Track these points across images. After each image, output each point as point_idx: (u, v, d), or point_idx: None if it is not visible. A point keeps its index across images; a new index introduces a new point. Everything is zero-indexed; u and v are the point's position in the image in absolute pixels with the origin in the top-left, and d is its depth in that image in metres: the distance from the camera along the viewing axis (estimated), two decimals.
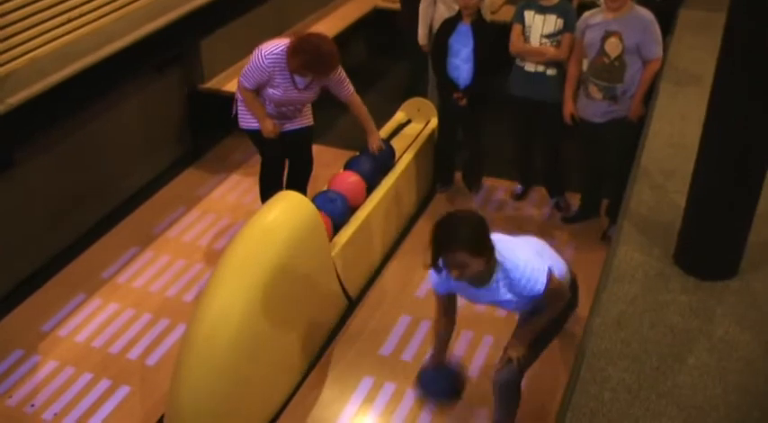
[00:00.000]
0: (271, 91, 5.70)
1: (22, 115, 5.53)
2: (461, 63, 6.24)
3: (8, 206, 5.76)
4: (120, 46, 6.28)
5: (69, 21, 6.20)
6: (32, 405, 4.95)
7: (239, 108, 5.99)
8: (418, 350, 5.29)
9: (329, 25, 8.55)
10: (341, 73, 5.85)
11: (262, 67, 5.59)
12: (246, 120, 5.96)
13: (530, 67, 6.13)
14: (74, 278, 5.98)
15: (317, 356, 5.23)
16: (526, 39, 6.10)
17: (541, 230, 6.36)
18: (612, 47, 5.62)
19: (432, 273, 4.18)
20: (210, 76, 7.54)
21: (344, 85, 5.94)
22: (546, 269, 4.03)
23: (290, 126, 6.01)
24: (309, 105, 6.07)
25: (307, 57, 5.47)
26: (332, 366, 5.17)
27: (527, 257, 4.05)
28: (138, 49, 6.38)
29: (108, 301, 5.75)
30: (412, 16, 7.32)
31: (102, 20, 6.48)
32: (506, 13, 7.50)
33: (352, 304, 5.65)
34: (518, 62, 6.21)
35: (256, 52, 5.64)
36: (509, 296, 4.05)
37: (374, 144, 6.11)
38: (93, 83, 6.08)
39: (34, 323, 5.56)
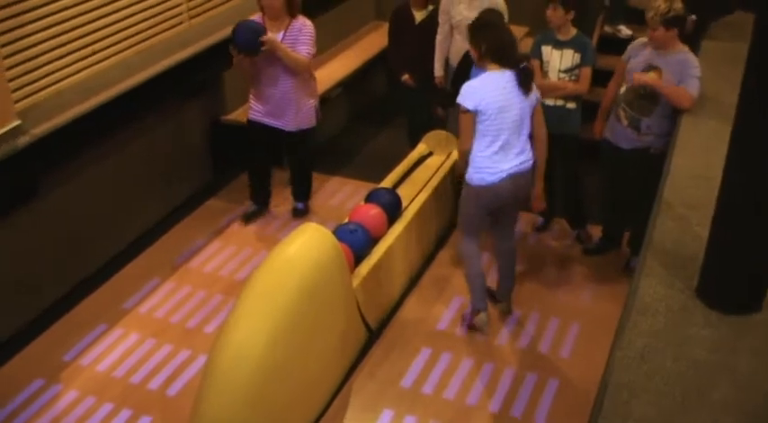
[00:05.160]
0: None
1: (47, 146, 5.58)
2: None
3: (32, 234, 5.80)
4: (143, 78, 6.35)
5: (93, 53, 6.27)
6: None
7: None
8: (439, 383, 5.26)
9: (351, 57, 8.60)
10: (306, 31, 6.39)
11: None
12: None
13: (549, 101, 6.14)
14: (96, 308, 6.01)
15: (338, 388, 5.21)
16: (544, 74, 6.12)
17: (562, 262, 6.37)
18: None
19: (469, 88, 5.15)
20: (233, 108, 7.59)
21: (304, 45, 6.38)
22: (467, 105, 5.11)
23: (282, 124, 6.61)
24: (303, 102, 6.55)
25: None
26: (353, 398, 5.15)
27: (487, 90, 5.12)
28: (160, 81, 6.45)
29: (129, 330, 5.77)
30: (398, 52, 7.37)
31: (125, 52, 6.55)
32: (525, 46, 7.52)
33: (373, 336, 5.63)
34: None
35: None
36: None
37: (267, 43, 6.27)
38: (115, 115, 6.14)
39: (56, 352, 5.58)
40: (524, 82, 5.18)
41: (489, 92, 5.12)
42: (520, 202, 5.56)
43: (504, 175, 5.24)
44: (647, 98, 5.67)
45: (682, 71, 5.55)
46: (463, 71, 6.34)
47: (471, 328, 5.71)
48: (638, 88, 5.69)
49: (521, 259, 6.36)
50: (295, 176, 7.10)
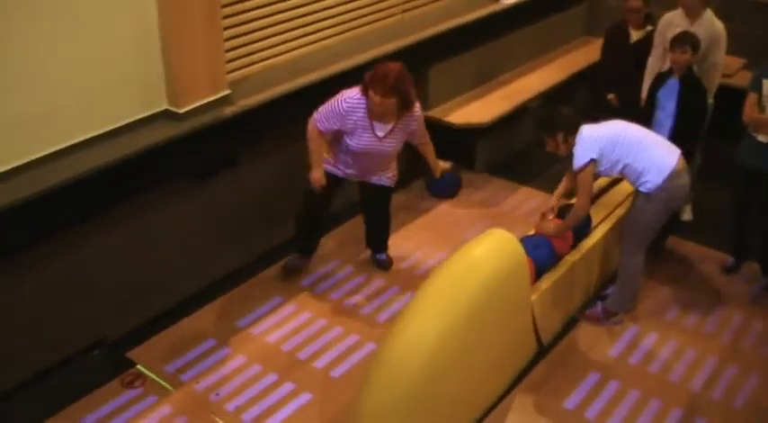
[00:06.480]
0: (348, 141, 5.58)
1: (250, 119, 5.75)
2: (666, 118, 6.14)
3: (228, 201, 6.02)
4: (348, 66, 6.43)
5: (304, 35, 6.42)
6: (217, 394, 5.12)
7: None
8: (602, 410, 5.12)
9: (555, 70, 8.48)
10: (419, 119, 5.70)
11: (338, 112, 5.48)
12: None
13: (762, 138, 5.88)
14: (274, 281, 6.17)
15: (500, 396, 5.15)
16: (762, 108, 5.86)
17: (749, 309, 6.07)
18: None
19: (582, 146, 5.32)
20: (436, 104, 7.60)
21: (422, 134, 5.86)
22: (592, 155, 5.28)
23: (368, 178, 5.91)
24: (395, 164, 5.93)
25: (370, 74, 5.40)
26: (513, 409, 5.08)
27: (599, 135, 5.33)
28: (362, 70, 6.49)
29: (303, 308, 5.88)
30: (608, 69, 7.22)
31: (335, 38, 6.68)
32: (742, 78, 7.25)
33: (543, 351, 5.54)
34: (750, 131, 5.96)
35: (338, 96, 5.53)
36: None
37: (437, 170, 6.18)
38: (316, 97, 6.23)
39: (230, 317, 5.76)
40: None
41: (598, 130, 5.37)
42: None
43: (674, 164, 5.34)
44: None
45: None
46: (652, 93, 6.37)
47: (599, 320, 5.89)
48: None
49: (703, 302, 6.13)
50: (377, 235, 6.38)
